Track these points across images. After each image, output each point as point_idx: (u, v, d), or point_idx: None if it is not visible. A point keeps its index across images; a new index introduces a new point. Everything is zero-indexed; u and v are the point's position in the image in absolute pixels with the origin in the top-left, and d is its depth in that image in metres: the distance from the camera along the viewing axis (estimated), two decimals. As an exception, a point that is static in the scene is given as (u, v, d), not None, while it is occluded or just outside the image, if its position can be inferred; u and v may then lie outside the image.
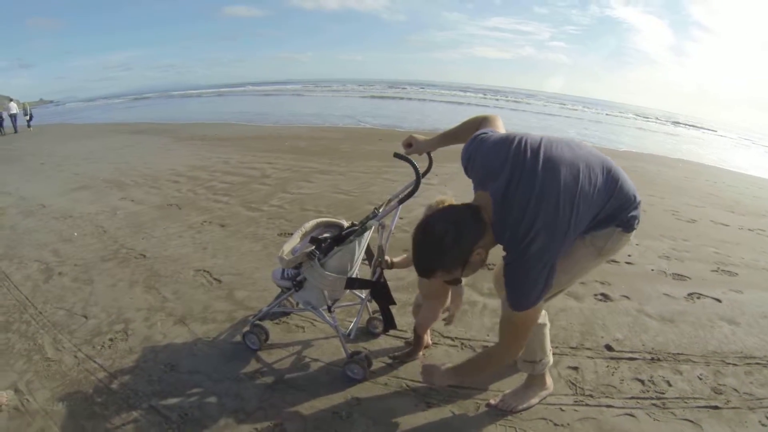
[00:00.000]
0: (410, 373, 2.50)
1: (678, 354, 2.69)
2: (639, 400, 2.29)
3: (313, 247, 2.30)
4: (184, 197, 6.53)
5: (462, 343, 2.77)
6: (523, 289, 1.64)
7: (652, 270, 3.88)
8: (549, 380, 2.31)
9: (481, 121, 2.07)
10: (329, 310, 2.41)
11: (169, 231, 5.01)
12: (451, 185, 6.65)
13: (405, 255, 2.57)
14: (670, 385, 2.41)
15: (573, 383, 2.40)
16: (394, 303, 2.43)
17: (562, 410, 2.22)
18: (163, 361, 2.65)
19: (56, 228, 5.33)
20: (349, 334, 2.54)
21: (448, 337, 2.83)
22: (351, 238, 2.30)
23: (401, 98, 33.93)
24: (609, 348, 2.72)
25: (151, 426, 2.17)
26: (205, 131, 15.65)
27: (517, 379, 2.40)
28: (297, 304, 2.79)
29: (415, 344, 2.62)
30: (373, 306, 2.70)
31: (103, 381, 2.51)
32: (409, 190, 2.20)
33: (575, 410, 2.22)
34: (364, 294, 2.69)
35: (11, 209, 6.34)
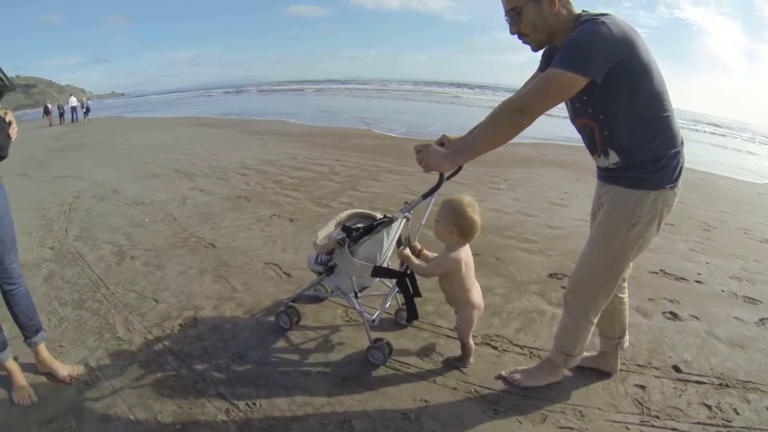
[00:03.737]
0: (479, 378, 2.51)
1: (747, 381, 2.56)
2: (705, 426, 2.20)
3: (345, 235, 2.45)
4: (252, 190, 6.71)
5: (531, 352, 2.76)
6: (579, 50, 1.71)
7: (723, 291, 3.71)
8: (562, 373, 2.40)
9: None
10: (356, 296, 2.55)
11: (237, 222, 5.17)
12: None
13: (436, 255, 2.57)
14: (737, 413, 2.30)
15: (639, 402, 2.35)
16: (419, 295, 2.56)
17: (628, 429, 2.17)
18: (231, 350, 2.73)
19: (128, 213, 5.63)
20: (373, 321, 2.64)
21: (517, 345, 2.82)
22: (379, 228, 2.45)
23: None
24: (677, 369, 2.63)
25: (218, 413, 2.22)
26: (272, 127, 16.04)
27: (584, 393, 2.40)
28: (331, 291, 2.93)
29: (464, 352, 2.63)
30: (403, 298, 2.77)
31: (171, 364, 2.60)
32: (432, 186, 2.47)
33: (641, 430, 2.17)
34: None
35: (86, 193, 6.75)
